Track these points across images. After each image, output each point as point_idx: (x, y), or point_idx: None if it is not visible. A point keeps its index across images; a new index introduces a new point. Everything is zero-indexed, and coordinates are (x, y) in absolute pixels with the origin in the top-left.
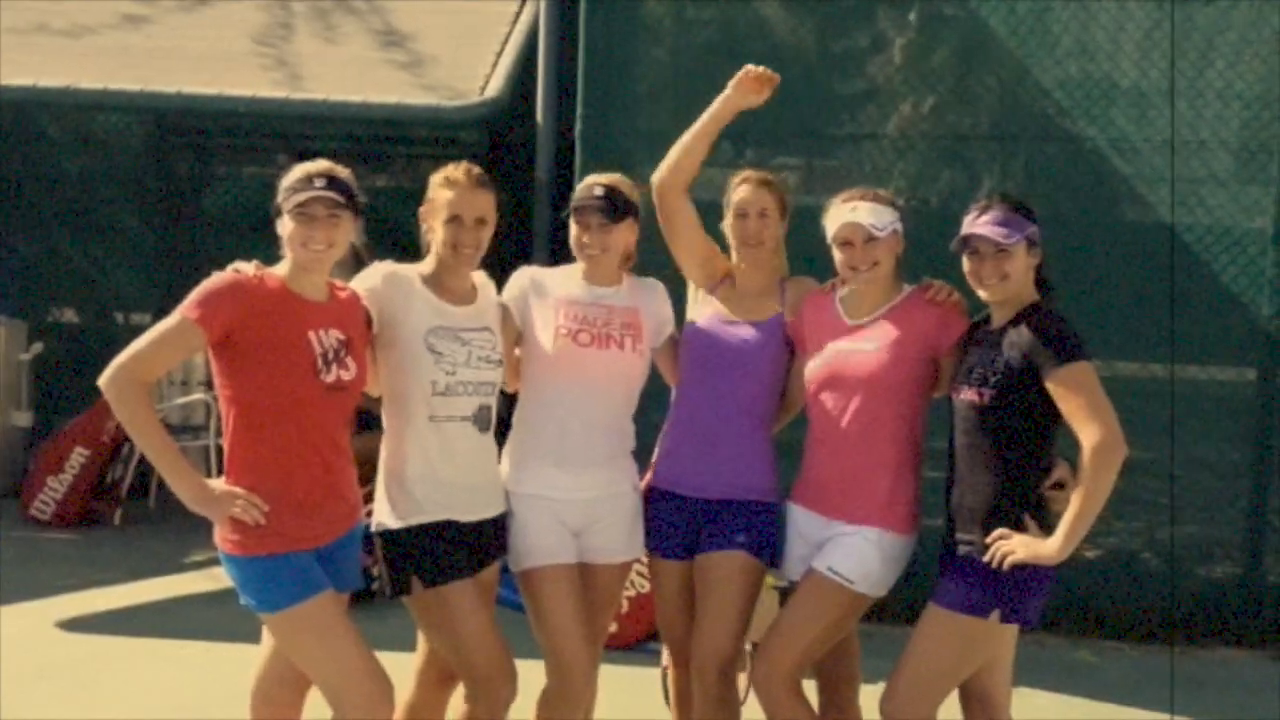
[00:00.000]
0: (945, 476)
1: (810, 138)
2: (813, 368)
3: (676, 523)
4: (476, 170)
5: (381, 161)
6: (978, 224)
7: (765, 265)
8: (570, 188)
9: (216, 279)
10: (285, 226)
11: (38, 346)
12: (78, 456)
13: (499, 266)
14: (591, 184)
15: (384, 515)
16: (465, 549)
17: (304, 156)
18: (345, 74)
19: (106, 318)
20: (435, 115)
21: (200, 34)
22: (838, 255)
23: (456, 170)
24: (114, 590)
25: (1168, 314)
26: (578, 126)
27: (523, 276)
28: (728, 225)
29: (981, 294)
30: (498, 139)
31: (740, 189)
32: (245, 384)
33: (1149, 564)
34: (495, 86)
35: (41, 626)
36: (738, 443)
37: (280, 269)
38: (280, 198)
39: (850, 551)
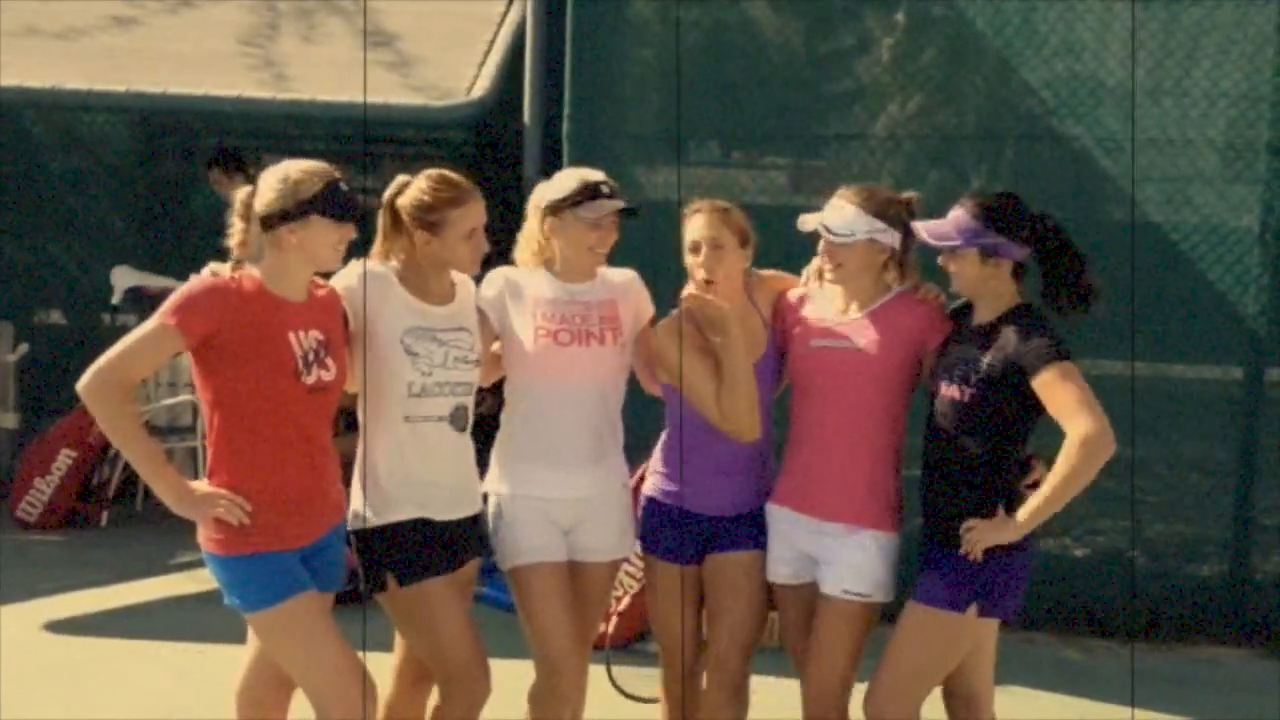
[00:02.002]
0: (921, 472)
1: (798, 138)
2: (798, 367)
3: (686, 534)
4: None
5: (370, 162)
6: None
7: (729, 297)
8: None
9: (195, 283)
10: (307, 228)
11: (24, 348)
12: (64, 458)
13: (485, 265)
14: (595, 183)
15: (360, 511)
16: (441, 547)
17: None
18: (331, 74)
19: (93, 319)
20: (423, 115)
21: (186, 35)
22: (821, 246)
23: (456, 182)
24: (102, 592)
25: (1155, 312)
26: (564, 126)
27: (497, 278)
28: (686, 259)
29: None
30: (484, 139)
31: (693, 220)
32: (227, 387)
33: (1136, 562)
34: (482, 87)
35: (30, 629)
36: (742, 465)
37: (258, 270)
38: (297, 199)
39: (856, 567)
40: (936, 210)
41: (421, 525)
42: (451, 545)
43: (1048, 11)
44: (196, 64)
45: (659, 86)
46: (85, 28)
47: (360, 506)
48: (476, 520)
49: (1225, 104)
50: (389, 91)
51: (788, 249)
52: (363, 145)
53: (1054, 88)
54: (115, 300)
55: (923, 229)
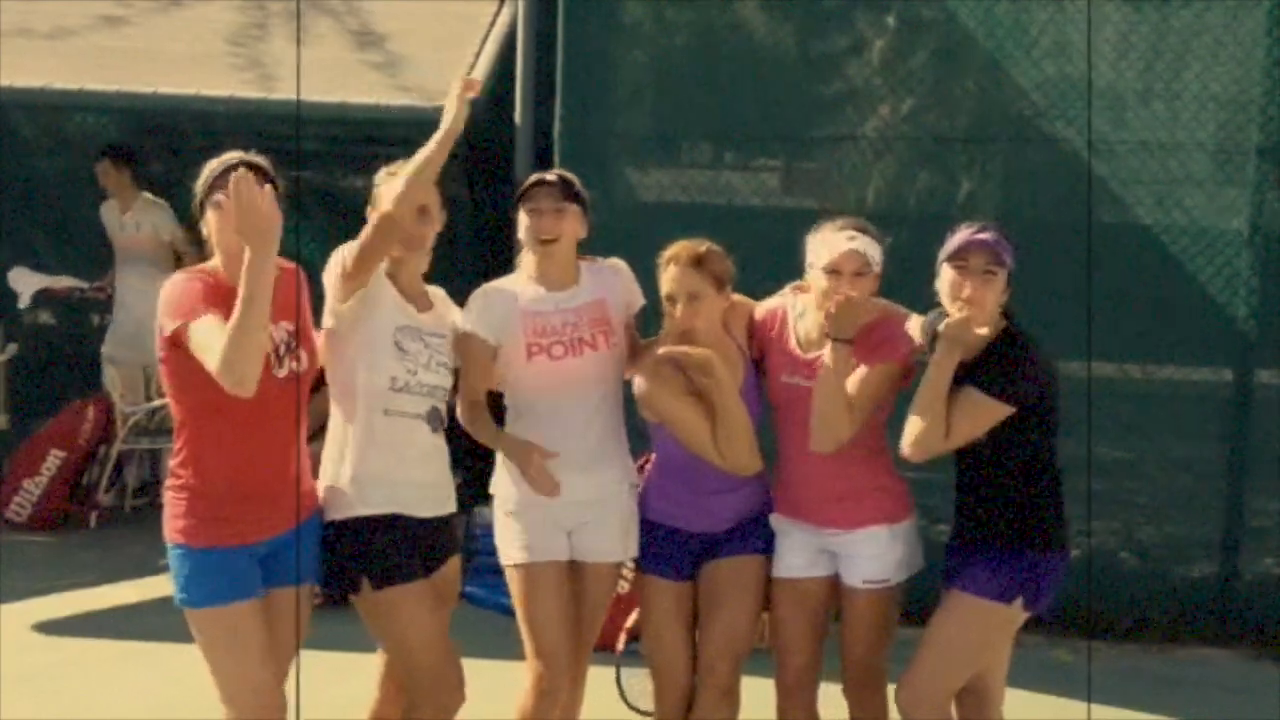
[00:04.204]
0: (956, 473)
1: (789, 140)
2: (775, 398)
3: (681, 551)
4: None
5: (360, 163)
6: (977, 234)
7: (708, 344)
8: None
9: (182, 284)
10: (207, 220)
11: (12, 348)
12: (53, 459)
13: (482, 268)
14: (540, 173)
15: (329, 507)
16: (415, 547)
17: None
18: (322, 75)
19: (82, 319)
20: (414, 116)
21: (176, 35)
22: (822, 281)
23: (395, 165)
24: (91, 593)
25: (1146, 314)
26: (556, 127)
27: (479, 297)
28: (664, 306)
29: (953, 311)
30: (476, 140)
31: (667, 271)
32: (203, 384)
33: (1126, 563)
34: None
35: (19, 630)
36: (734, 483)
37: (215, 266)
38: (201, 195)
39: (870, 557)
40: (922, 212)
41: (396, 522)
42: (427, 546)
43: (1038, 14)
44: (186, 64)
45: (651, 88)
46: (75, 27)
47: (330, 499)
48: (451, 521)
49: (1215, 107)
50: (379, 92)
51: (779, 250)
52: (265, 141)
53: (1045, 90)
54: (23, 305)
55: (994, 243)
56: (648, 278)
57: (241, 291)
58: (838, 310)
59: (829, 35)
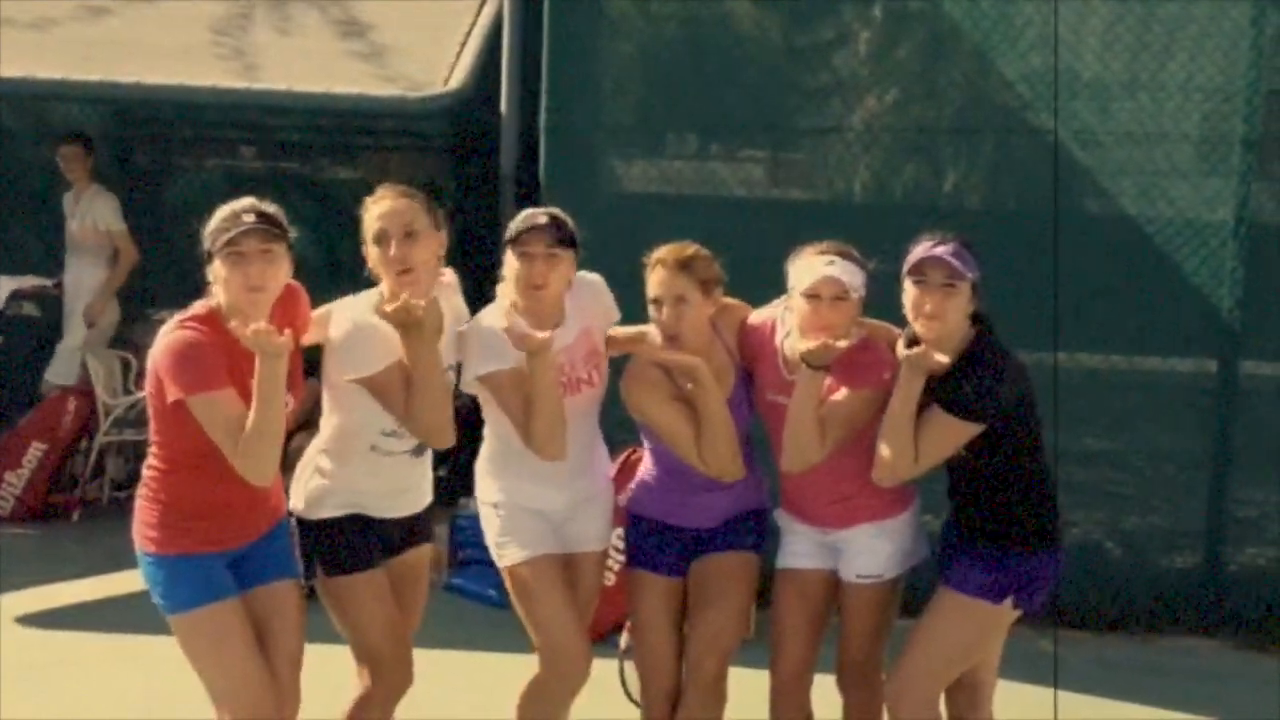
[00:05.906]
0: (948, 474)
1: (775, 131)
2: (760, 410)
3: (671, 547)
4: (400, 187)
5: (345, 154)
6: (934, 249)
7: (695, 348)
8: (535, 180)
9: (185, 342)
10: (214, 270)
11: None
12: (35, 451)
13: (475, 264)
14: (533, 213)
15: (297, 500)
16: (374, 539)
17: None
18: (307, 65)
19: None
20: (399, 106)
21: (160, 25)
22: (803, 307)
23: (379, 192)
24: (75, 586)
25: (1130, 305)
26: (542, 119)
27: (480, 336)
28: (649, 309)
29: (917, 327)
30: (462, 131)
31: (654, 274)
32: (187, 434)
33: (1111, 553)
34: (459, 78)
35: (3, 623)
36: (723, 482)
37: (213, 308)
38: (210, 244)
39: (864, 553)
40: (913, 203)
41: (357, 520)
42: (389, 537)
43: (1024, 5)
44: (170, 54)
45: (637, 79)
46: (58, 18)
47: (299, 493)
48: (422, 515)
49: (1200, 98)
50: (364, 82)
51: (765, 242)
52: (250, 131)
53: (1030, 81)
54: None
55: (950, 257)
56: (634, 270)
57: (258, 394)
58: (816, 349)
59: (815, 27)
